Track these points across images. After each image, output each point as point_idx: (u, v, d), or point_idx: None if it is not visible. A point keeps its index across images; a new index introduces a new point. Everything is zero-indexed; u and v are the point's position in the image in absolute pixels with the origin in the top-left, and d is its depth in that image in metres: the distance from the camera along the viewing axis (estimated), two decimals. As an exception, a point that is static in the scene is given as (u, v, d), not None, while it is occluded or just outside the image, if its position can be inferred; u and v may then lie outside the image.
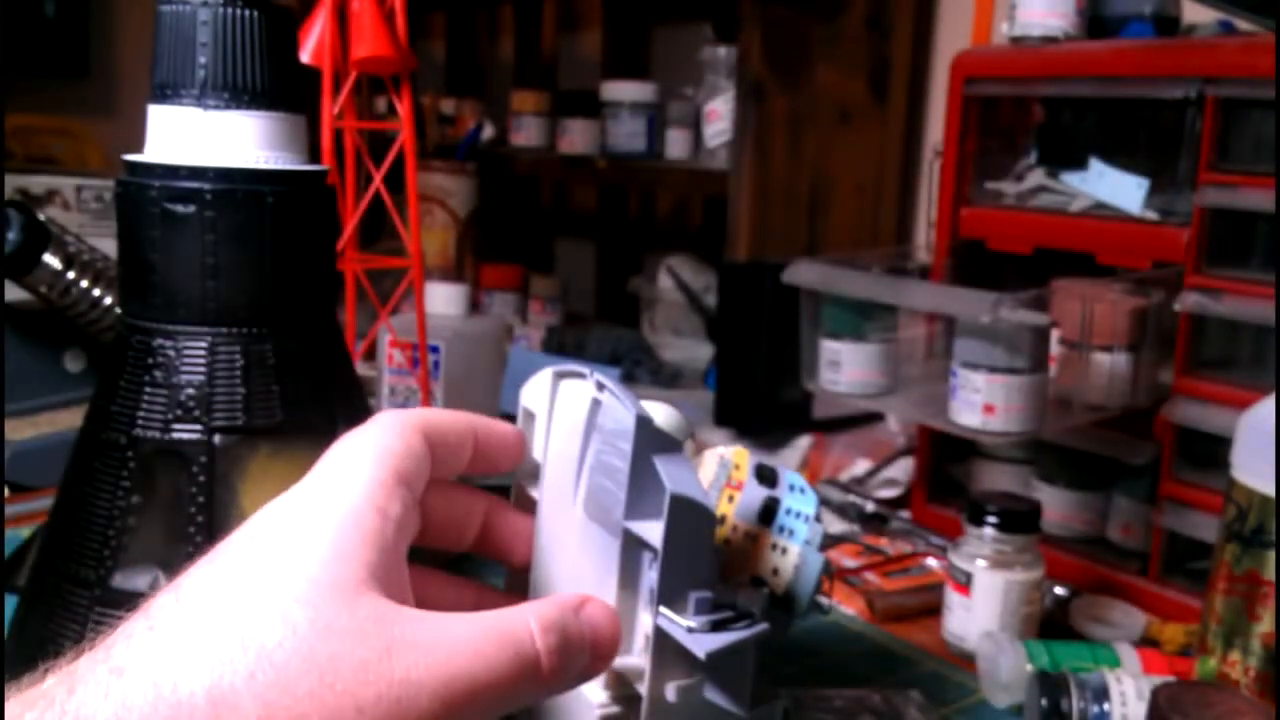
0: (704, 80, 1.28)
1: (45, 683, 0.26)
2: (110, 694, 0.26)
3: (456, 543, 0.39)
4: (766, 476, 0.44)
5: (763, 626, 0.35)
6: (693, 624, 0.33)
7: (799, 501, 0.43)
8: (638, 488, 0.34)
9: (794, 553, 0.42)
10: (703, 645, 0.33)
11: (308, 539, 0.30)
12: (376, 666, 0.28)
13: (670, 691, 0.34)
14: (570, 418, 0.38)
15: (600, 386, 0.37)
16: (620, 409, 0.36)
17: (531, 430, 0.41)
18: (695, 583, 0.34)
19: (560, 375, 0.40)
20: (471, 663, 0.29)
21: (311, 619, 0.28)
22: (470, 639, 0.30)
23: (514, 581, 0.42)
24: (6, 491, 0.81)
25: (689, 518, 0.33)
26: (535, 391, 0.41)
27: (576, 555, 0.38)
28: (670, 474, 0.34)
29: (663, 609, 0.34)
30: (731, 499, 0.43)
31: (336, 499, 0.31)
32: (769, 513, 0.43)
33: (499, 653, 0.30)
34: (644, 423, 0.34)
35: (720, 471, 0.44)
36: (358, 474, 0.32)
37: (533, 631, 0.31)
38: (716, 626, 0.34)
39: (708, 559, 0.35)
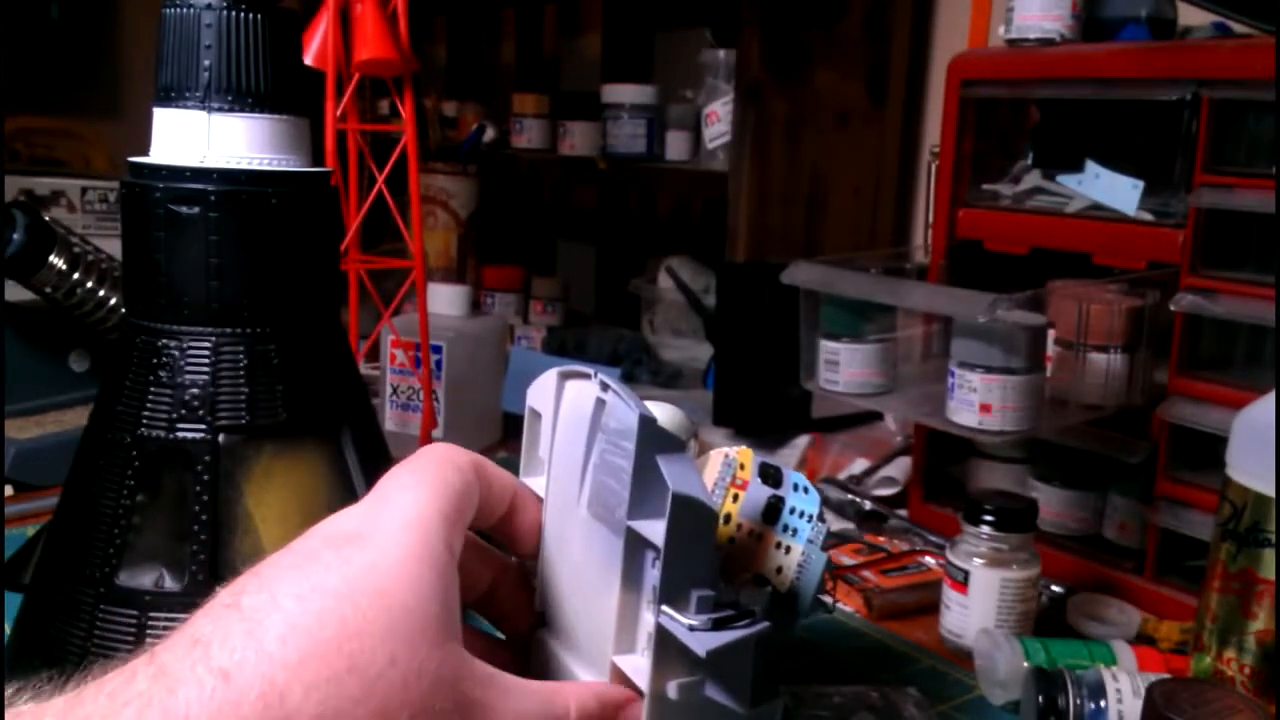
0: (704, 83, 1.29)
1: (137, 680, 0.25)
2: (215, 696, 0.25)
3: (465, 593, 0.38)
4: (771, 476, 0.44)
5: (764, 625, 0.35)
6: (694, 622, 0.34)
7: (803, 501, 0.43)
8: (641, 487, 0.35)
9: (797, 552, 0.42)
10: (704, 643, 0.33)
11: (396, 568, 0.29)
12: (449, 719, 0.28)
13: (672, 689, 0.34)
14: (575, 418, 0.39)
15: (605, 386, 0.38)
16: (624, 409, 0.36)
17: (537, 430, 0.41)
18: (697, 581, 0.34)
19: (565, 375, 0.40)
20: None
21: (408, 658, 0.27)
22: (541, 710, 0.31)
23: (513, 640, 0.42)
24: (11, 490, 0.82)
25: (691, 517, 0.34)
26: (541, 391, 0.41)
27: (581, 554, 0.38)
28: (673, 473, 0.34)
29: (664, 607, 0.34)
30: (736, 498, 0.44)
31: (406, 525, 0.30)
32: (773, 512, 0.43)
33: None
34: (647, 422, 0.35)
35: (725, 471, 0.44)
36: (428, 505, 0.31)
37: (570, 717, 0.32)
38: (718, 625, 0.34)
39: (709, 558, 0.35)
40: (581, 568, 0.38)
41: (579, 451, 0.38)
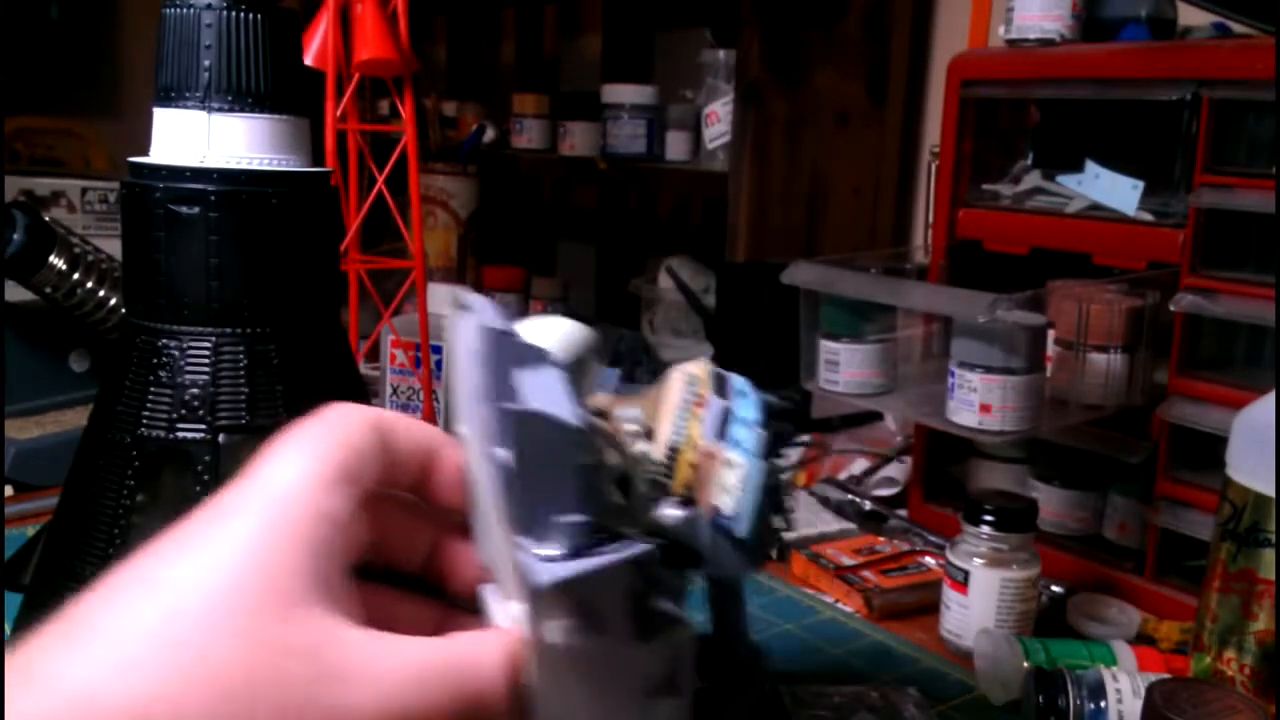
0: (704, 83, 1.29)
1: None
2: (16, 701, 0.24)
3: (405, 562, 0.35)
4: (721, 385, 0.39)
5: (639, 549, 0.29)
6: (551, 552, 0.28)
7: (744, 407, 0.38)
8: (496, 407, 0.30)
9: (740, 465, 0.36)
10: (544, 574, 0.28)
11: (239, 541, 0.27)
12: (306, 691, 0.25)
13: (550, 632, 0.29)
14: (463, 348, 0.35)
15: (466, 307, 0.34)
16: (480, 324, 0.32)
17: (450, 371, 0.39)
18: (562, 507, 0.29)
19: (460, 306, 0.37)
20: (417, 696, 0.26)
21: (241, 632, 0.25)
22: (420, 668, 0.27)
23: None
24: (11, 490, 0.82)
25: (538, 434, 0.29)
26: (449, 329, 0.38)
27: (479, 493, 0.34)
28: (527, 388, 0.30)
29: (519, 539, 0.29)
30: (698, 417, 0.39)
31: (272, 497, 0.28)
32: (723, 425, 0.38)
33: (451, 688, 0.27)
34: (494, 334, 0.31)
35: (688, 391, 0.40)
36: (296, 469, 0.29)
37: (496, 664, 0.28)
38: (578, 555, 0.29)
39: (576, 480, 0.29)
40: (484, 508, 0.34)
41: (468, 383, 0.34)
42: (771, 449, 0.36)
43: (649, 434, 0.37)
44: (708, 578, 0.32)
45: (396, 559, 0.34)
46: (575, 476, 0.29)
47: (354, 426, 0.31)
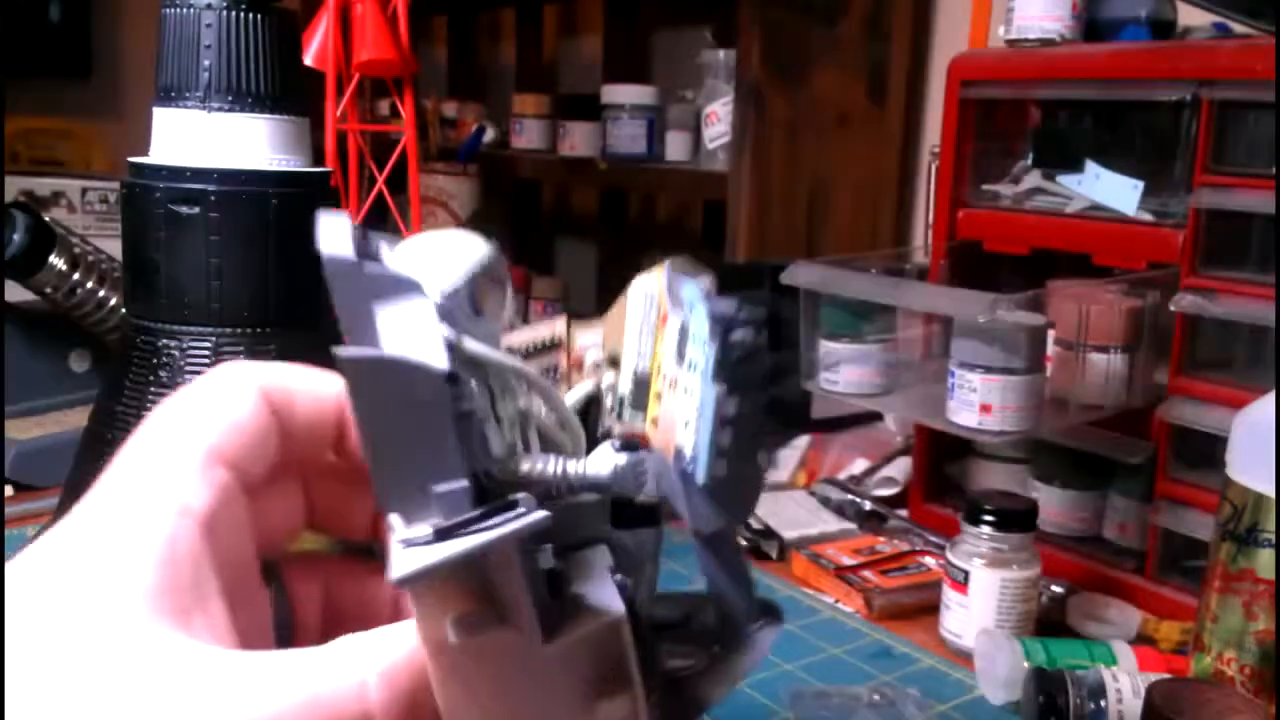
0: (704, 83, 1.29)
1: None
2: None
3: (352, 533, 0.30)
4: (674, 294, 0.31)
5: (522, 522, 0.22)
6: (419, 533, 0.22)
7: (696, 319, 0.29)
8: (338, 357, 0.24)
9: (695, 392, 0.28)
10: (396, 565, 0.21)
11: (76, 552, 0.22)
12: None
13: (440, 630, 0.22)
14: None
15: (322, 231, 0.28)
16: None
17: None
18: (435, 473, 0.22)
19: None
20: None
21: (62, 654, 0.21)
22: (267, 695, 0.21)
23: None
24: (11, 490, 0.82)
25: (392, 386, 0.22)
26: None
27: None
28: (384, 329, 0.24)
29: (391, 516, 0.22)
30: (661, 337, 0.32)
31: (121, 496, 0.23)
32: (684, 340, 0.30)
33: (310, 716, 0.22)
34: (345, 265, 0.24)
35: (648, 308, 0.33)
36: (155, 457, 0.24)
37: (350, 689, 0.22)
38: (452, 531, 0.22)
39: (447, 438, 0.23)
40: None
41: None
42: (737, 369, 0.27)
43: (615, 362, 0.32)
44: (691, 533, 0.26)
45: (341, 531, 0.30)
46: (447, 433, 0.23)
47: (234, 396, 0.26)
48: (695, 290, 0.29)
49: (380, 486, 0.23)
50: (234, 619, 0.24)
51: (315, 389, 0.27)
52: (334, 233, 0.25)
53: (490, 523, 0.22)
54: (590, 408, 0.31)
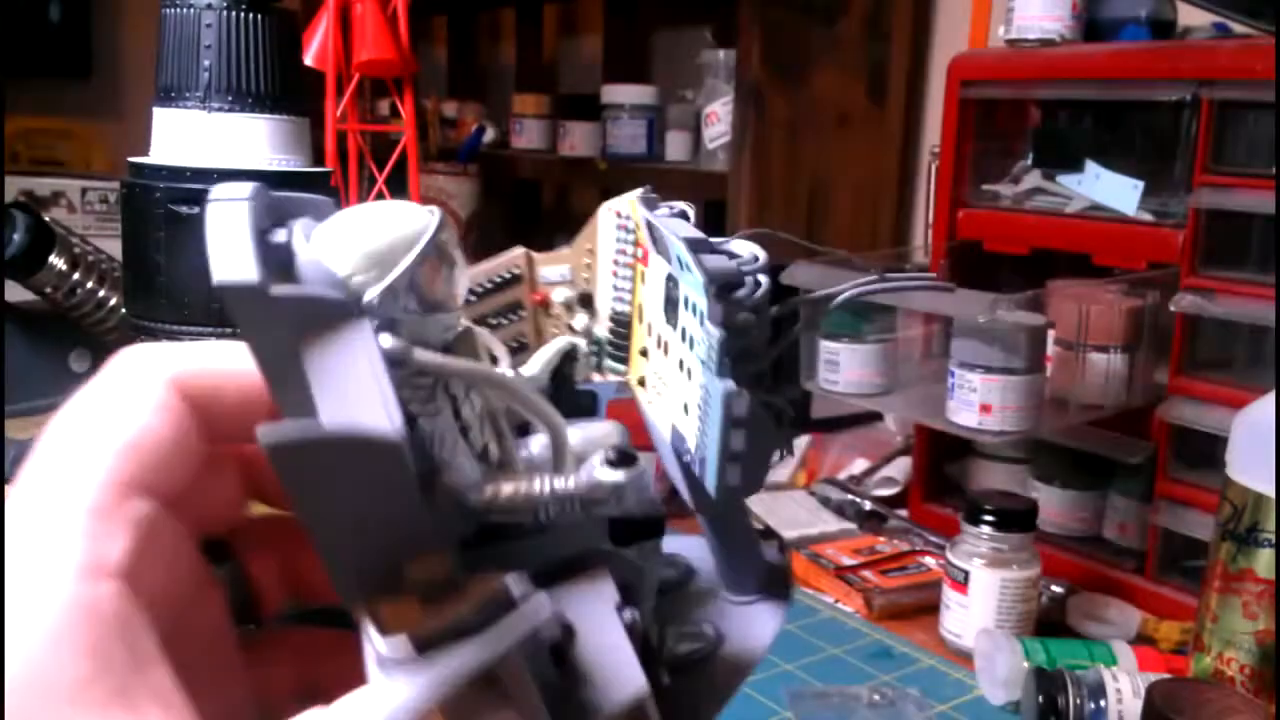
0: (703, 83, 1.29)
1: None
2: None
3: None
4: (658, 240, 0.25)
5: (532, 619, 0.18)
6: (406, 650, 0.17)
7: (690, 282, 0.22)
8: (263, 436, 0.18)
9: (698, 378, 0.22)
10: (388, 700, 0.17)
11: None
12: None
13: None
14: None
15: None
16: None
17: None
18: (407, 546, 0.18)
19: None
20: None
21: None
22: None
23: None
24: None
25: (335, 465, 0.18)
26: None
27: None
28: (313, 379, 0.18)
29: (360, 621, 0.18)
30: (643, 279, 0.27)
31: (22, 569, 0.18)
32: (670, 304, 0.25)
33: None
34: (242, 292, 0.18)
35: (622, 237, 0.28)
36: (55, 505, 0.19)
37: None
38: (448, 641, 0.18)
39: (415, 507, 0.18)
40: None
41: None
42: (742, 342, 0.21)
43: (586, 302, 0.28)
44: (696, 512, 0.23)
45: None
46: (413, 501, 0.18)
47: (140, 400, 0.20)
48: (683, 247, 0.23)
49: (338, 579, 0.18)
50: (186, 653, 0.20)
51: (238, 367, 0.22)
52: (228, 233, 0.19)
53: (485, 628, 0.18)
54: (565, 363, 0.28)
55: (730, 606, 0.25)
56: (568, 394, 0.25)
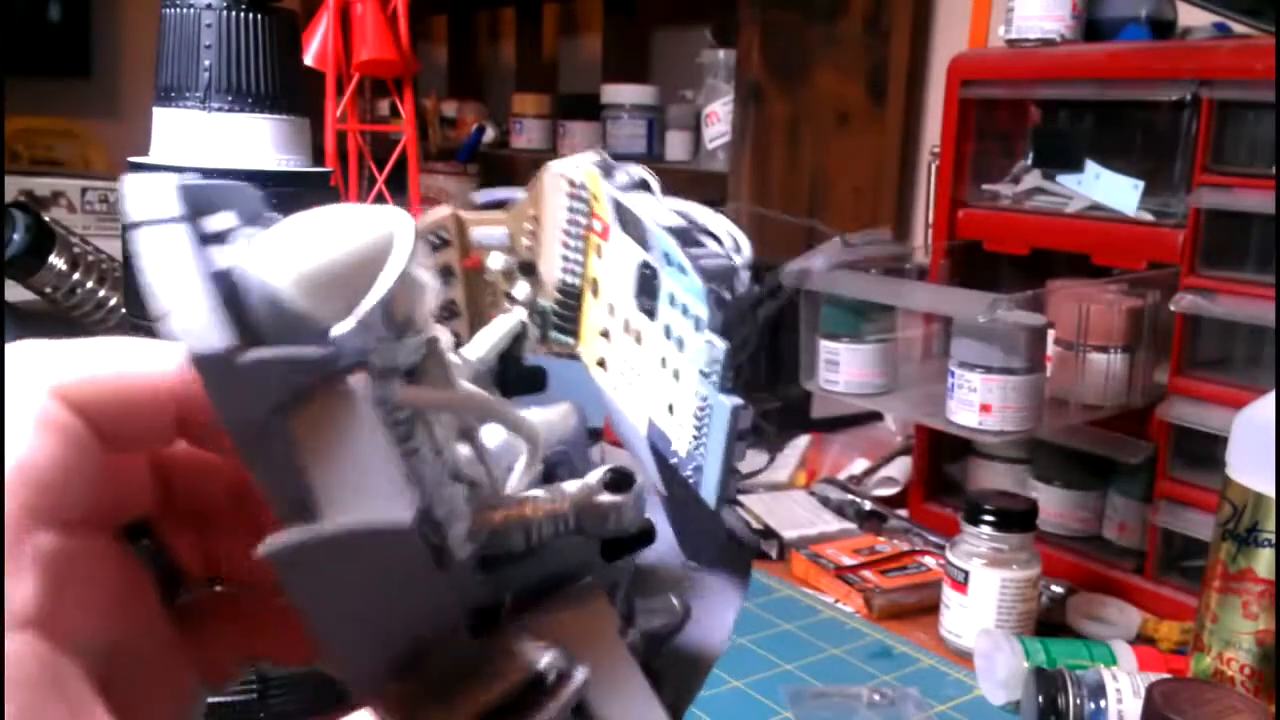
0: (703, 83, 1.29)
1: None
2: None
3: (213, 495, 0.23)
4: (631, 223, 0.24)
5: (566, 698, 0.17)
6: None
7: (682, 282, 0.21)
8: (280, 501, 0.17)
9: (693, 387, 0.21)
10: None
11: None
12: None
13: None
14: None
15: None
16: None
17: None
18: (426, 623, 0.17)
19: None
20: None
21: None
22: None
23: None
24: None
25: (344, 562, 0.16)
26: None
27: None
28: (318, 480, 0.16)
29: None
30: (600, 253, 0.25)
31: None
32: (647, 288, 0.23)
33: None
34: (211, 362, 0.16)
35: (574, 206, 0.26)
36: None
37: None
38: None
39: (430, 598, 0.17)
40: None
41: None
42: (738, 335, 0.20)
43: (529, 270, 0.26)
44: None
45: (205, 495, 0.23)
46: (430, 575, 0.16)
47: (26, 419, 0.18)
48: (673, 245, 0.21)
49: (351, 674, 0.17)
50: (128, 648, 0.19)
51: (131, 369, 0.20)
52: (171, 273, 0.16)
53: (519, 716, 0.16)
54: (515, 344, 0.26)
55: (693, 575, 0.23)
56: (515, 371, 0.24)
